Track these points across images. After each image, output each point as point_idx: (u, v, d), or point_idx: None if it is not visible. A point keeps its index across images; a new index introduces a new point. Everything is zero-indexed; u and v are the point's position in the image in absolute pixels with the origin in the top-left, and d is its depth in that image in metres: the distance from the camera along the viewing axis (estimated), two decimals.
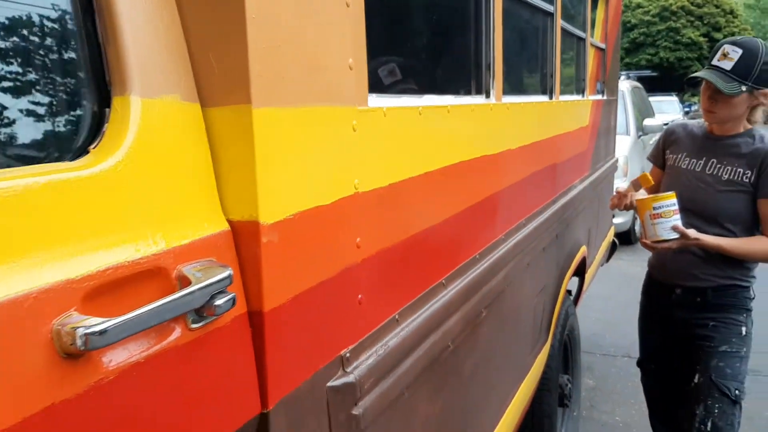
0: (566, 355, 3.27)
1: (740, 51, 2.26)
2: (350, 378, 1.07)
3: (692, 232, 2.34)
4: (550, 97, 2.69)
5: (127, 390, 0.69)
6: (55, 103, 0.74)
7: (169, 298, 0.71)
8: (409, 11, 1.67)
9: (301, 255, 0.95)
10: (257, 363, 0.87)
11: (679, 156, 2.53)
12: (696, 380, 2.48)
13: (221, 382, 0.82)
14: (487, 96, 1.87)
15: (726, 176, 2.40)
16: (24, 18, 0.72)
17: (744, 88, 2.25)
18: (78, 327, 0.62)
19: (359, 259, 1.12)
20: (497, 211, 1.93)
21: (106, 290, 0.67)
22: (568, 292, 3.24)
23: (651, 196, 2.42)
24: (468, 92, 1.84)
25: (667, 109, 18.66)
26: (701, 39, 34.63)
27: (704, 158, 2.45)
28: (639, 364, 2.91)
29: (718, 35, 34.79)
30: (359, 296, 1.13)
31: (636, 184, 2.61)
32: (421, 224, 1.39)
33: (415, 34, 1.69)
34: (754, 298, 2.52)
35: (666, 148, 2.61)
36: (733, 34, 34.97)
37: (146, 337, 0.71)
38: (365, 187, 1.13)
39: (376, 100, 1.19)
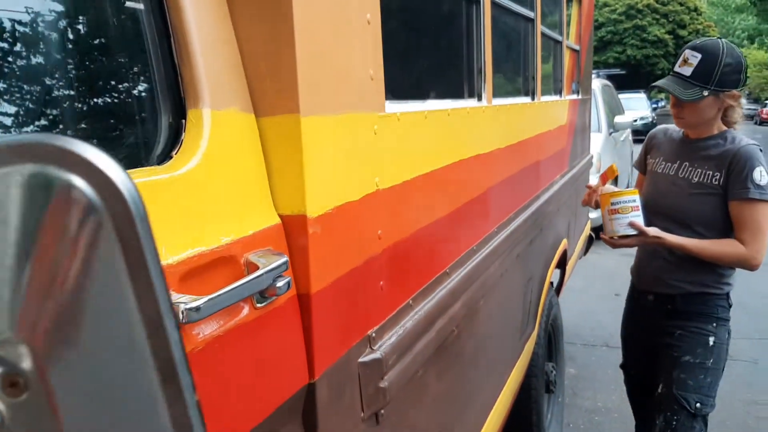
0: (550, 343, 3.43)
1: (699, 56, 2.24)
2: (377, 355, 1.20)
3: (652, 230, 2.30)
4: (533, 99, 2.85)
5: (209, 359, 0.81)
6: (141, 115, 0.87)
7: (244, 280, 0.83)
8: (410, 25, 1.80)
9: (337, 245, 1.08)
10: (305, 339, 1.00)
11: (657, 160, 2.51)
12: (659, 390, 2.44)
13: (278, 355, 0.94)
14: (479, 99, 2.02)
15: (696, 179, 2.36)
16: (111, 45, 0.84)
17: (706, 93, 2.24)
18: (179, 304, 0.74)
19: (380, 249, 1.25)
20: (490, 205, 2.07)
21: (194, 274, 0.80)
22: (551, 283, 3.39)
23: (611, 191, 2.40)
24: (463, 96, 1.98)
25: (636, 106, 19.02)
26: (667, 36, 35.28)
27: (678, 162, 2.42)
28: (622, 367, 2.87)
29: (683, 32, 35.47)
30: (381, 282, 1.26)
31: (603, 178, 2.54)
32: (427, 218, 1.52)
33: (416, 44, 1.82)
34: (729, 307, 2.44)
35: (647, 153, 2.61)
36: (697, 31, 35.65)
37: (224, 314, 0.83)
38: (384, 184, 1.26)
39: (390, 106, 1.32)
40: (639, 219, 2.32)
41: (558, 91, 3.65)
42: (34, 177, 0.38)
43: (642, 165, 2.64)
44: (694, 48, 2.28)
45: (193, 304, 0.74)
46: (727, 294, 2.42)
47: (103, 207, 0.38)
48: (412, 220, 1.43)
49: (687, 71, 2.25)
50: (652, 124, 14.03)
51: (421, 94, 1.69)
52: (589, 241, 5.26)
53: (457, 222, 1.75)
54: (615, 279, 6.04)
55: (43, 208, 0.38)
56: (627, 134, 10.14)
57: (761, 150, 2.29)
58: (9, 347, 0.40)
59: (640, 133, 15.76)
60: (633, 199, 2.33)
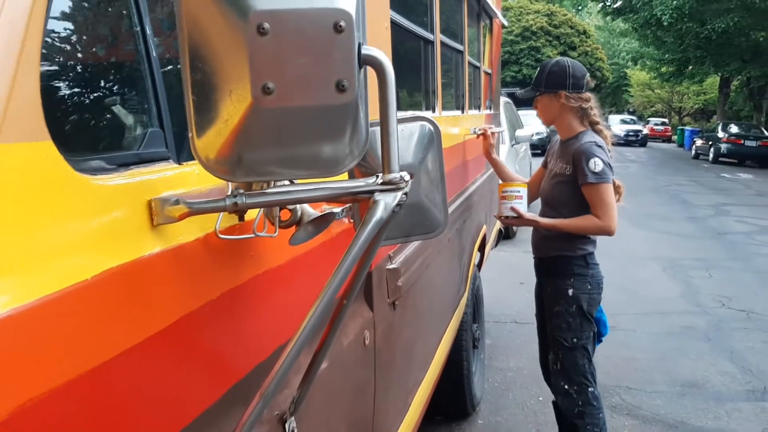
0: (475, 309, 4.24)
1: (538, 69, 3.07)
2: (396, 265, 1.95)
3: (528, 214, 2.99)
4: (462, 111, 3.67)
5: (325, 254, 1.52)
6: None
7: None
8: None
9: None
10: None
11: (550, 160, 3.19)
12: (548, 334, 3.11)
13: None
14: (434, 111, 2.80)
15: (556, 171, 3.00)
16: None
17: (538, 93, 2.98)
18: None
19: None
20: None
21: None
22: (476, 259, 4.20)
23: (505, 182, 3.12)
24: (423, 108, 2.76)
25: (531, 122, 20.44)
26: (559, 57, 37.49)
27: (555, 160, 3.09)
28: (537, 316, 3.47)
29: (573, 53, 37.75)
30: None
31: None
32: None
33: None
34: (589, 264, 2.99)
35: (548, 156, 3.26)
36: (586, 53, 38.06)
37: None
38: None
39: None
40: (520, 206, 3.01)
41: (477, 107, 4.49)
42: (424, 127, 1.13)
43: (544, 162, 3.33)
44: (540, 65, 3.12)
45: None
46: (584, 255, 2.99)
47: (436, 133, 1.14)
48: None
49: (532, 80, 3.09)
50: (547, 139, 15.31)
51: (399, 107, 2.46)
52: (499, 235, 6.15)
53: None
54: (519, 271, 6.98)
55: (427, 137, 1.13)
56: (526, 147, 11.25)
57: (599, 145, 2.89)
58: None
59: (536, 147, 17.08)
60: (518, 190, 3.03)
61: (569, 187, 2.94)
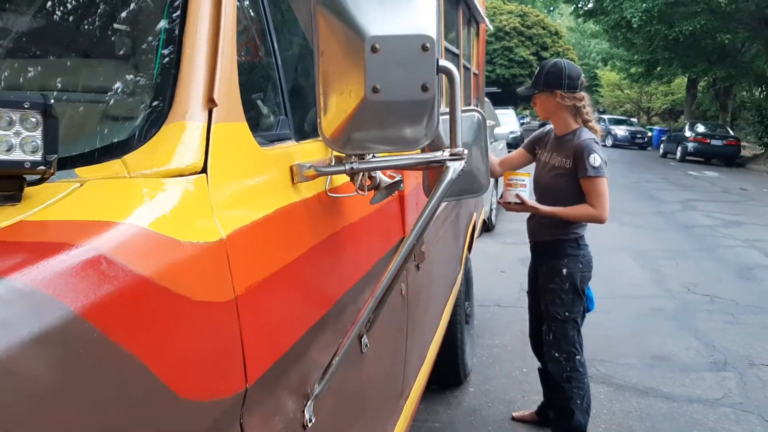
0: (467, 288, 4.65)
1: (538, 69, 3.46)
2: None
3: (530, 201, 3.30)
4: None
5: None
6: None
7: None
8: None
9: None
10: (401, 215, 2.12)
11: (541, 152, 3.54)
12: (543, 308, 3.46)
13: (395, 218, 2.06)
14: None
15: (555, 164, 3.33)
16: None
17: (536, 91, 3.32)
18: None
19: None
20: None
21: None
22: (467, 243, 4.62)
23: (512, 171, 3.44)
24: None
25: (507, 121, 20.97)
26: (531, 57, 38.26)
27: (550, 153, 3.45)
28: (528, 294, 3.84)
29: (545, 54, 38.54)
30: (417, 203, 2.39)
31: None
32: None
33: None
34: (580, 246, 3.35)
35: (536, 145, 3.61)
36: (558, 53, 38.84)
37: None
38: None
39: None
40: (524, 193, 3.36)
41: (468, 105, 4.90)
42: (472, 116, 1.53)
43: (528, 146, 3.68)
44: (539, 65, 3.51)
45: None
46: (576, 239, 3.35)
47: (483, 121, 1.56)
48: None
49: (532, 79, 3.48)
50: (521, 138, 15.84)
51: None
52: (483, 225, 6.58)
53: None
54: (499, 260, 7.42)
55: (477, 123, 1.54)
56: (503, 144, 11.72)
57: (596, 142, 3.30)
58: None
59: (509, 146, 17.59)
60: (522, 179, 3.38)
61: (568, 178, 3.30)
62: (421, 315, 2.53)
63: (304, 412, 1.21)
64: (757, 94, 31.12)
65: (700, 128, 25.61)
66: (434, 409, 4.06)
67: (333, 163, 1.32)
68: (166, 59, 1.03)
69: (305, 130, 1.53)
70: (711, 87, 32.26)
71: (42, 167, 0.77)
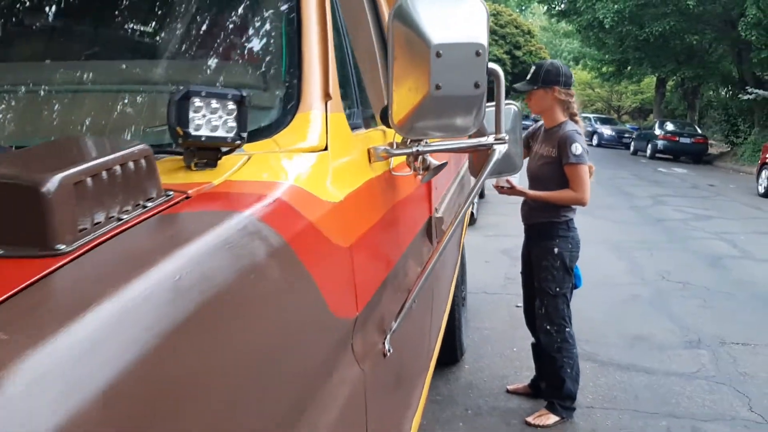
0: (462, 272, 4.98)
1: (534, 67, 3.78)
2: (439, 215, 2.65)
3: (519, 186, 3.65)
4: None
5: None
6: None
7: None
8: None
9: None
10: (429, 197, 2.42)
11: (534, 144, 3.87)
12: (536, 285, 3.88)
13: (425, 199, 2.36)
14: None
15: (543, 153, 3.67)
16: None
17: (535, 87, 3.61)
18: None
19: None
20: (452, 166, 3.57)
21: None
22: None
23: None
24: None
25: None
26: (505, 56, 38.78)
27: (540, 144, 3.80)
28: (522, 274, 4.18)
29: (518, 52, 39.18)
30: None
31: None
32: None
33: None
34: (570, 228, 3.69)
35: (530, 139, 3.92)
36: (531, 52, 39.46)
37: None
38: None
39: None
40: (514, 179, 3.68)
41: None
42: (510, 108, 1.85)
43: (524, 141, 3.87)
44: (535, 64, 3.82)
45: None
46: (566, 221, 3.68)
47: (518, 112, 1.90)
48: None
49: (528, 76, 3.78)
50: None
51: None
52: (471, 217, 6.92)
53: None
54: (482, 251, 7.75)
55: (514, 114, 1.85)
56: None
57: (579, 133, 3.63)
58: None
59: None
60: None
61: (553, 166, 3.65)
62: (442, 287, 2.85)
63: (384, 343, 1.51)
64: (722, 93, 31.97)
65: (670, 126, 26.31)
66: (434, 384, 4.37)
67: (398, 147, 1.63)
68: (291, 61, 1.33)
69: (368, 120, 1.83)
70: (679, 86, 33.09)
71: (238, 142, 1.07)
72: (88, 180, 0.74)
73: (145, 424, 0.61)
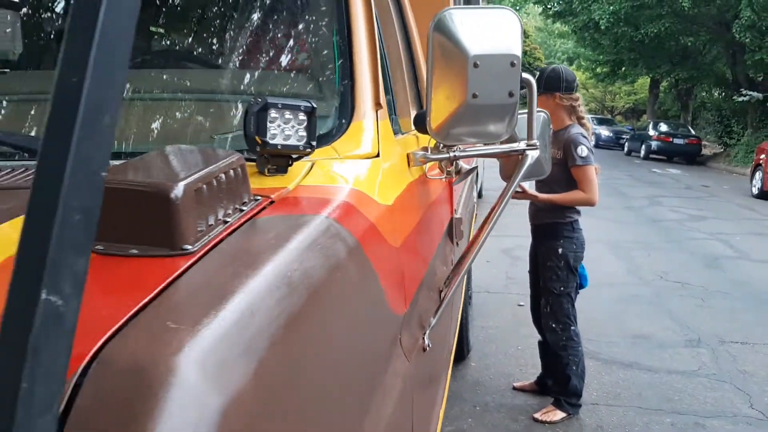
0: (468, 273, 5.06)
1: (538, 73, 3.87)
2: (458, 215, 2.74)
3: (530, 190, 3.75)
4: None
5: None
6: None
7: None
8: None
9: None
10: (450, 200, 2.51)
11: None
12: (541, 284, 3.99)
13: (448, 201, 2.45)
14: None
15: (552, 155, 3.79)
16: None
17: (537, 93, 3.90)
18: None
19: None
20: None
21: None
22: None
23: None
24: None
25: None
26: None
27: (550, 146, 4.10)
28: (530, 273, 4.30)
29: None
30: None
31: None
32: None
33: None
34: (575, 229, 3.80)
35: None
36: (525, 52, 39.60)
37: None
38: None
39: None
40: (525, 184, 3.77)
41: None
42: (539, 116, 1.93)
43: None
44: (537, 71, 3.91)
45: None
46: (571, 222, 3.79)
47: (548, 119, 1.97)
48: None
49: None
50: None
51: None
52: None
53: None
54: (484, 251, 7.79)
55: (543, 121, 1.94)
56: None
57: (584, 136, 3.73)
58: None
59: None
60: None
61: (560, 168, 3.71)
62: (459, 285, 2.94)
63: (424, 338, 1.60)
64: (716, 95, 32.19)
65: (664, 127, 26.47)
66: None
67: (435, 152, 1.71)
68: (344, 72, 1.41)
69: (400, 127, 1.92)
70: (673, 87, 33.27)
71: (308, 150, 1.15)
72: (204, 187, 0.82)
73: (267, 408, 0.69)
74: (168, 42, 1.49)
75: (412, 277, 1.51)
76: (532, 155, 1.70)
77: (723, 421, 3.96)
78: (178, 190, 0.77)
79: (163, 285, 0.69)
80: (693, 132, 26.85)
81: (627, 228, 10.49)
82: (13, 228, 0.82)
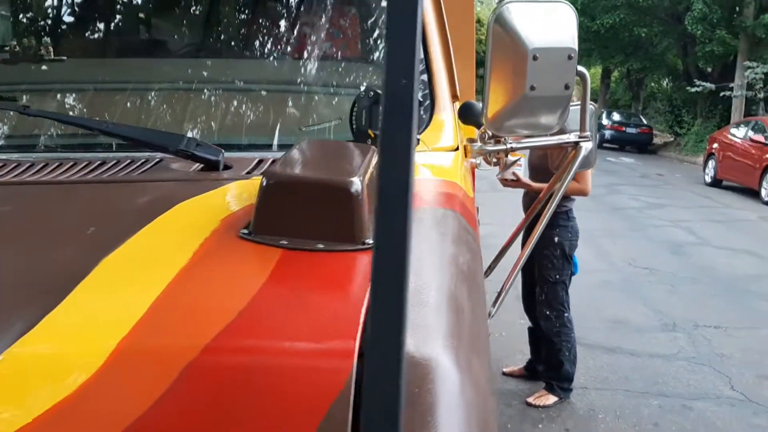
0: None
1: None
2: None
3: (524, 179, 3.82)
4: None
5: None
6: None
7: None
8: None
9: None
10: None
11: None
12: (536, 272, 4.06)
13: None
14: None
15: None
16: None
17: None
18: None
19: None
20: None
21: None
22: None
23: None
24: None
25: None
26: None
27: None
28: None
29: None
30: None
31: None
32: None
33: None
34: (570, 218, 3.95)
35: None
36: (480, 41, 39.86)
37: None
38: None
39: None
40: (519, 171, 3.88)
41: None
42: (591, 108, 1.95)
43: None
44: None
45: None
46: (566, 211, 3.91)
47: (597, 112, 1.98)
48: None
49: None
50: None
51: None
52: None
53: None
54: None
55: (596, 113, 1.95)
56: None
57: None
58: None
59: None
60: (518, 159, 3.80)
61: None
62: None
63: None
64: (665, 85, 32.95)
65: (616, 117, 27.00)
66: None
67: (491, 144, 1.73)
68: (422, 66, 1.41)
69: None
70: (625, 77, 33.94)
71: (416, 142, 1.16)
72: (368, 180, 0.82)
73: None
74: (261, 35, 1.47)
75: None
76: (586, 147, 1.73)
77: (708, 402, 4.10)
78: (357, 184, 0.77)
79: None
80: (645, 121, 27.45)
81: (590, 216, 10.64)
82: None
